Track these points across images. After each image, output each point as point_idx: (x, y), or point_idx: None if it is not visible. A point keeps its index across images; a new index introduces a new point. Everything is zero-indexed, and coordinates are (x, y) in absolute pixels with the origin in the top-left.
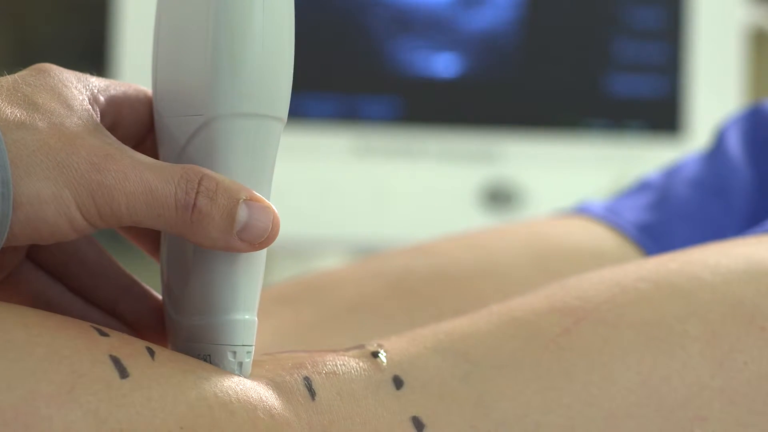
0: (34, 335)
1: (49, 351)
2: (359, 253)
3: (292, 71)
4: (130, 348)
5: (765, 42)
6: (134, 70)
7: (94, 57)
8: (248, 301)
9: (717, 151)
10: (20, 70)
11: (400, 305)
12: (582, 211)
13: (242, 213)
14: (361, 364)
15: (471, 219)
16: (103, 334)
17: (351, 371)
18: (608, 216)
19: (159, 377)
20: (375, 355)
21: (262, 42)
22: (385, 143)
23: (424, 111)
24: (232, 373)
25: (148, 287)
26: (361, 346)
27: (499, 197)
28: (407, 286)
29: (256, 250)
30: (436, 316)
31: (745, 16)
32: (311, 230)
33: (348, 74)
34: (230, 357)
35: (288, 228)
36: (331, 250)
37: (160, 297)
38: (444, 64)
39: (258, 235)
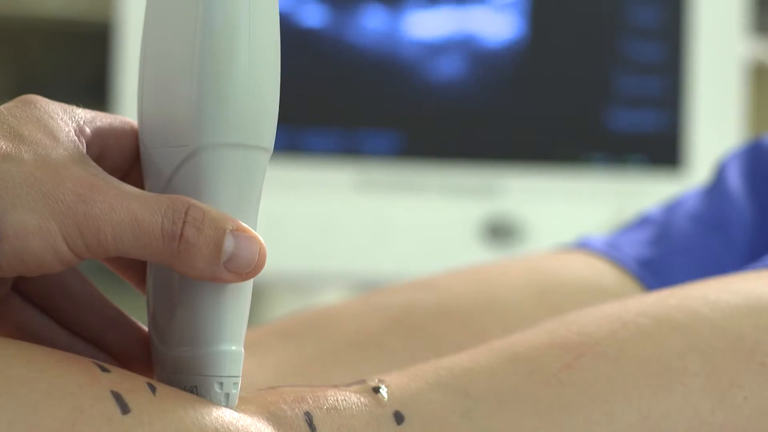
0: (36, 371)
1: (51, 387)
2: (361, 288)
3: (278, 102)
4: (132, 384)
5: (765, 76)
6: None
7: (96, 90)
8: (234, 332)
9: (717, 185)
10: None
11: (401, 340)
12: (583, 245)
13: (229, 243)
14: (362, 399)
15: (472, 253)
16: (104, 370)
17: (352, 406)
18: (609, 251)
19: (160, 413)
20: (376, 390)
21: (248, 73)
22: (386, 177)
23: (424, 145)
24: (221, 405)
25: (133, 319)
26: (362, 382)
27: (500, 231)
28: (408, 321)
29: (243, 280)
30: (437, 351)
31: (746, 50)
32: (312, 265)
33: (348, 108)
34: (217, 388)
35: (289, 262)
36: (332, 284)
37: (146, 329)
38: (444, 99)
39: (244, 265)
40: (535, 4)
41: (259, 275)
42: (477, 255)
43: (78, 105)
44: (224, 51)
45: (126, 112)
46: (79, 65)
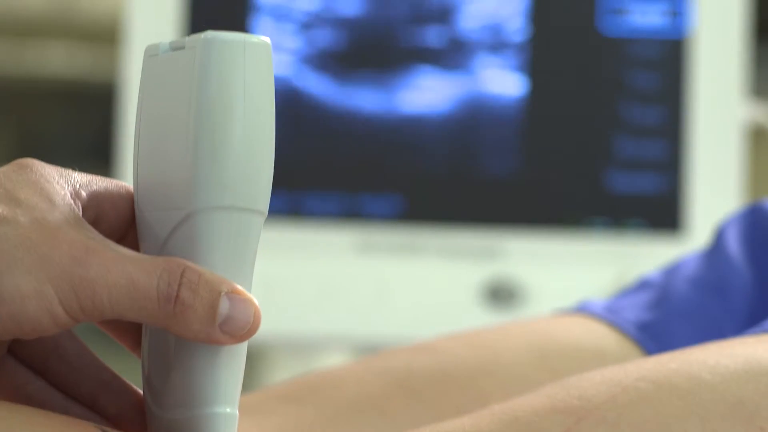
0: None
1: None
2: (362, 351)
3: (273, 165)
4: None
5: (763, 138)
6: None
7: (99, 150)
8: (229, 394)
9: (716, 249)
10: None
11: (402, 404)
12: (583, 309)
13: (224, 305)
14: None
15: (473, 316)
16: None
17: None
18: (608, 315)
19: None
20: None
21: (242, 137)
22: (387, 241)
23: (425, 208)
24: None
25: (128, 382)
26: None
27: (501, 295)
28: (410, 384)
29: (238, 342)
30: (438, 415)
31: (744, 114)
32: (313, 328)
33: (350, 173)
34: None
35: (290, 325)
36: (333, 347)
37: (140, 391)
38: (445, 163)
39: (240, 327)
40: (535, 67)
41: (259, 338)
42: (478, 318)
43: (80, 166)
44: (219, 116)
45: (129, 173)
46: (83, 125)
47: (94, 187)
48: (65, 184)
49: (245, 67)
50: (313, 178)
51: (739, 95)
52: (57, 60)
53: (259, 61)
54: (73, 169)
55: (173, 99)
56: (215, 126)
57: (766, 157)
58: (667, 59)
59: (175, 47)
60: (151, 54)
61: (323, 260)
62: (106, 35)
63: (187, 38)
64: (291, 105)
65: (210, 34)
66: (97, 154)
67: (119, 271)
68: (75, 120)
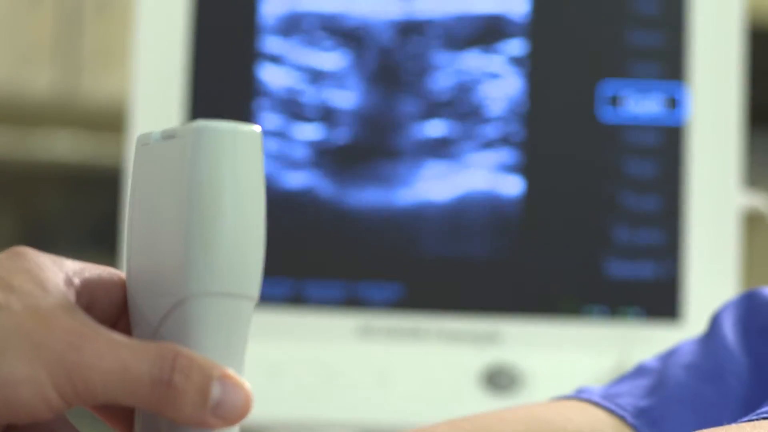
0: None
1: None
2: None
3: (263, 251)
4: None
5: (758, 224)
6: None
7: (103, 234)
8: None
9: (712, 336)
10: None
11: None
12: (581, 395)
13: (216, 390)
14: None
15: (472, 402)
16: None
17: None
18: (606, 401)
19: None
20: None
21: (233, 225)
22: (387, 327)
23: (424, 295)
24: None
25: None
26: None
27: (500, 380)
28: None
29: (229, 425)
30: None
31: (740, 202)
32: (314, 413)
33: (350, 261)
34: None
35: (291, 410)
36: None
37: None
38: (444, 250)
39: (231, 411)
40: (533, 157)
41: (261, 422)
42: (477, 403)
43: (84, 252)
44: (209, 205)
45: None
46: (87, 211)
47: (87, 275)
48: (58, 272)
49: (235, 156)
50: (312, 266)
51: (735, 182)
52: (61, 145)
53: (249, 149)
54: (76, 254)
55: (165, 187)
56: (206, 214)
57: (761, 243)
58: (664, 147)
59: (167, 136)
60: (143, 143)
61: (325, 346)
62: (111, 121)
63: (178, 127)
64: (288, 196)
65: (200, 123)
66: (100, 240)
67: (112, 357)
68: (79, 206)
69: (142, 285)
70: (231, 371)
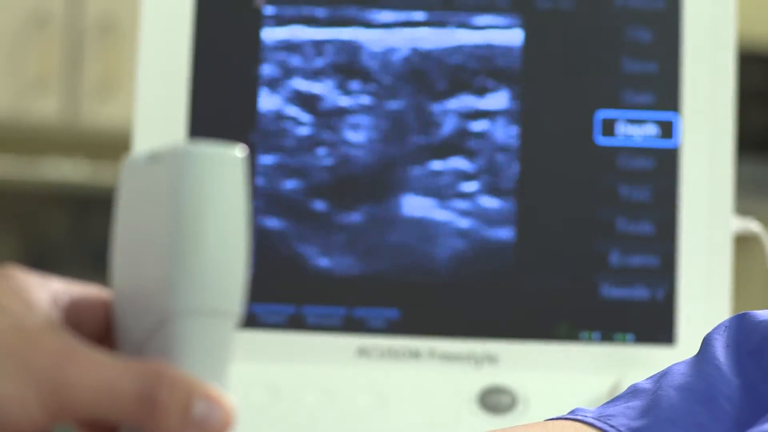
0: None
1: None
2: None
3: (246, 269)
4: None
5: (747, 245)
6: None
7: (104, 259)
8: None
9: (704, 358)
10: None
11: None
12: (575, 416)
13: (199, 407)
14: None
15: (469, 423)
16: None
17: None
18: (600, 421)
19: None
20: None
21: (215, 245)
22: (383, 351)
23: (420, 320)
24: None
25: None
26: None
27: (496, 402)
28: None
29: None
30: None
31: (734, 224)
32: None
33: (348, 287)
34: None
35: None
36: None
37: None
38: (440, 274)
39: (215, 427)
40: (527, 184)
41: None
42: (473, 424)
43: (86, 273)
44: (191, 226)
45: None
46: (88, 233)
47: (73, 293)
48: (44, 291)
49: (217, 180)
50: (312, 292)
51: (729, 207)
52: (64, 171)
53: (231, 172)
54: (78, 277)
55: (150, 208)
56: (188, 235)
57: (750, 263)
58: (658, 171)
59: (152, 158)
60: (131, 165)
61: (321, 368)
62: (114, 145)
63: (163, 149)
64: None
65: (184, 146)
66: (102, 263)
67: (97, 374)
68: (80, 227)
69: (128, 303)
70: (213, 388)
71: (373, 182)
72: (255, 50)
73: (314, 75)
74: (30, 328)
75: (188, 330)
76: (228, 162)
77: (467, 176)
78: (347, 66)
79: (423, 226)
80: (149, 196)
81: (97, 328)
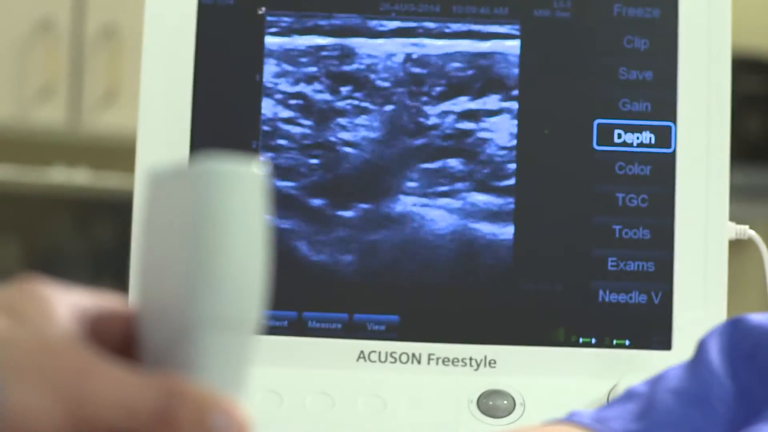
0: None
1: None
2: None
3: (265, 283)
4: None
5: (740, 248)
6: None
7: (111, 268)
8: None
9: (699, 361)
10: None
11: None
12: (572, 419)
13: (216, 421)
14: None
15: (467, 427)
16: None
17: None
18: (596, 424)
19: None
20: None
21: (236, 260)
22: (382, 356)
23: (419, 326)
24: None
25: None
26: None
27: (495, 406)
28: None
29: None
30: None
31: (730, 230)
32: None
33: (349, 296)
34: None
35: None
36: None
37: None
38: (439, 281)
39: None
40: (524, 192)
41: None
42: (471, 427)
43: (93, 280)
44: (213, 240)
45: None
46: (95, 240)
47: (95, 304)
48: (66, 301)
49: (239, 196)
50: (313, 300)
51: (724, 212)
52: (67, 174)
53: (252, 189)
54: (82, 284)
55: (172, 223)
56: (209, 249)
57: (744, 267)
58: (655, 177)
59: (175, 174)
60: (154, 178)
61: (322, 372)
62: (118, 152)
63: (186, 166)
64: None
65: (207, 164)
66: (105, 269)
67: (117, 387)
68: (83, 233)
69: (150, 315)
70: (231, 402)
71: (370, 184)
72: (258, 58)
73: (316, 82)
74: (51, 340)
75: (208, 342)
76: (249, 179)
77: (465, 180)
78: (347, 72)
79: (420, 231)
80: (172, 211)
81: (118, 339)
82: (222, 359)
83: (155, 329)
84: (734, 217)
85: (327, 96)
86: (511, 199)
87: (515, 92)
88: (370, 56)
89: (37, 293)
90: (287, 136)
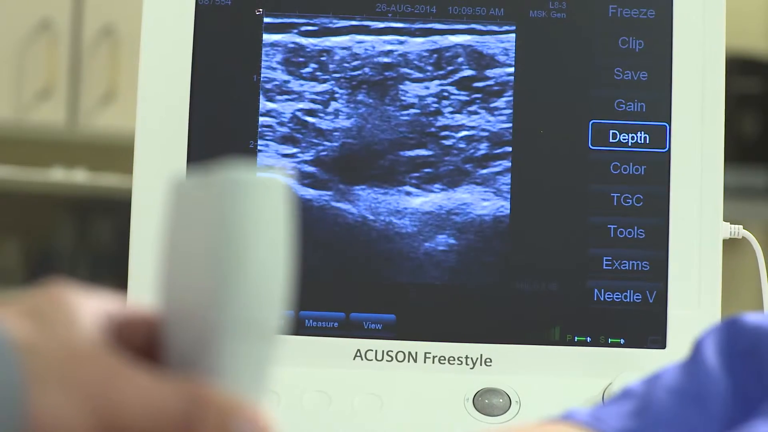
0: None
1: None
2: None
3: (286, 291)
4: None
5: (733, 247)
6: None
7: (112, 268)
8: None
9: (695, 360)
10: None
11: None
12: (568, 417)
13: (239, 427)
14: None
15: (463, 425)
16: None
17: None
18: (592, 422)
19: None
20: None
21: (259, 268)
22: (379, 355)
23: (415, 325)
24: None
25: None
26: None
27: (490, 404)
28: None
29: None
30: None
31: (724, 230)
32: None
33: (346, 295)
34: None
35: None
36: None
37: None
38: (434, 280)
39: None
40: (521, 186)
41: None
42: (467, 425)
43: (95, 280)
44: (236, 248)
45: (142, 287)
46: (96, 239)
47: (121, 311)
48: (91, 306)
49: (262, 206)
50: (312, 300)
51: (719, 212)
52: (67, 174)
53: (275, 198)
54: (98, 280)
55: (196, 231)
56: (235, 256)
57: (738, 265)
58: (649, 177)
59: (200, 184)
60: (177, 188)
61: (321, 371)
62: (116, 151)
63: (210, 176)
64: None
65: (231, 173)
66: (107, 269)
67: (143, 393)
68: (83, 233)
69: (174, 321)
70: (253, 407)
71: (368, 183)
72: (256, 57)
73: (314, 81)
74: (77, 346)
75: (232, 347)
76: (273, 188)
77: (460, 179)
78: (346, 72)
79: (418, 232)
80: (197, 220)
81: (143, 344)
82: (246, 364)
83: (180, 334)
84: (728, 217)
85: (326, 96)
86: (506, 199)
87: (510, 92)
88: (368, 56)
89: (63, 298)
90: (286, 135)
